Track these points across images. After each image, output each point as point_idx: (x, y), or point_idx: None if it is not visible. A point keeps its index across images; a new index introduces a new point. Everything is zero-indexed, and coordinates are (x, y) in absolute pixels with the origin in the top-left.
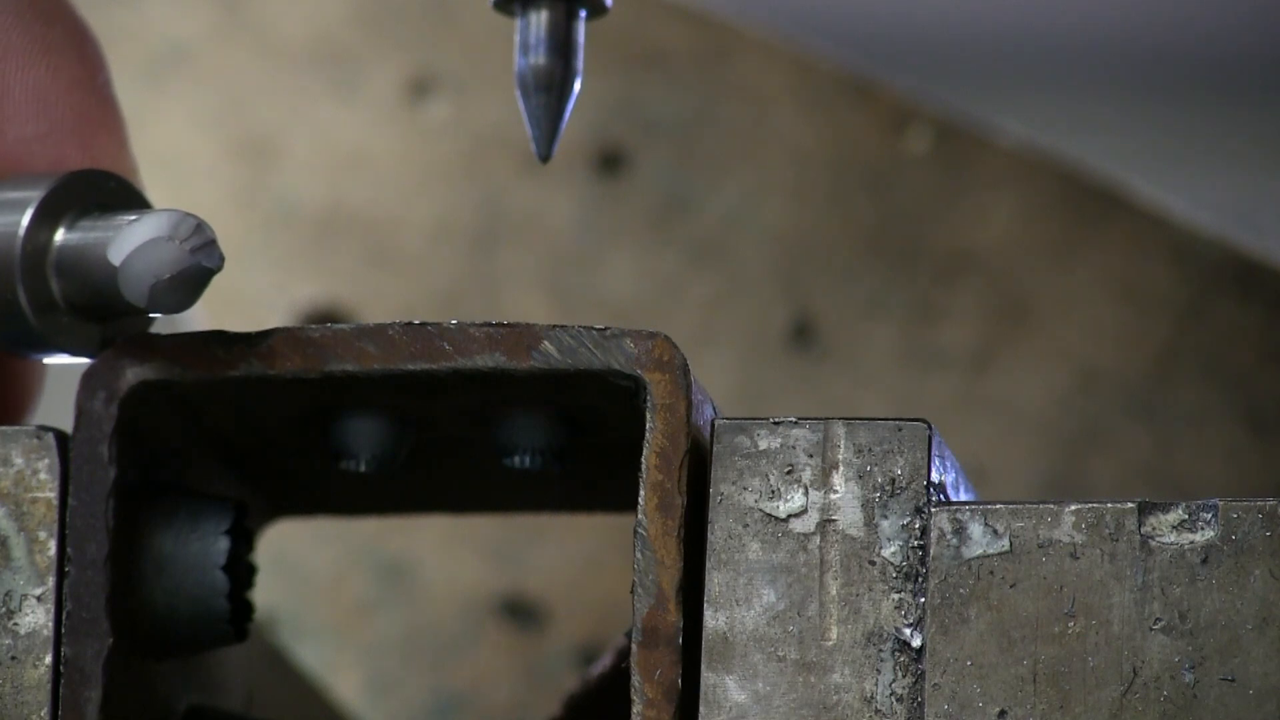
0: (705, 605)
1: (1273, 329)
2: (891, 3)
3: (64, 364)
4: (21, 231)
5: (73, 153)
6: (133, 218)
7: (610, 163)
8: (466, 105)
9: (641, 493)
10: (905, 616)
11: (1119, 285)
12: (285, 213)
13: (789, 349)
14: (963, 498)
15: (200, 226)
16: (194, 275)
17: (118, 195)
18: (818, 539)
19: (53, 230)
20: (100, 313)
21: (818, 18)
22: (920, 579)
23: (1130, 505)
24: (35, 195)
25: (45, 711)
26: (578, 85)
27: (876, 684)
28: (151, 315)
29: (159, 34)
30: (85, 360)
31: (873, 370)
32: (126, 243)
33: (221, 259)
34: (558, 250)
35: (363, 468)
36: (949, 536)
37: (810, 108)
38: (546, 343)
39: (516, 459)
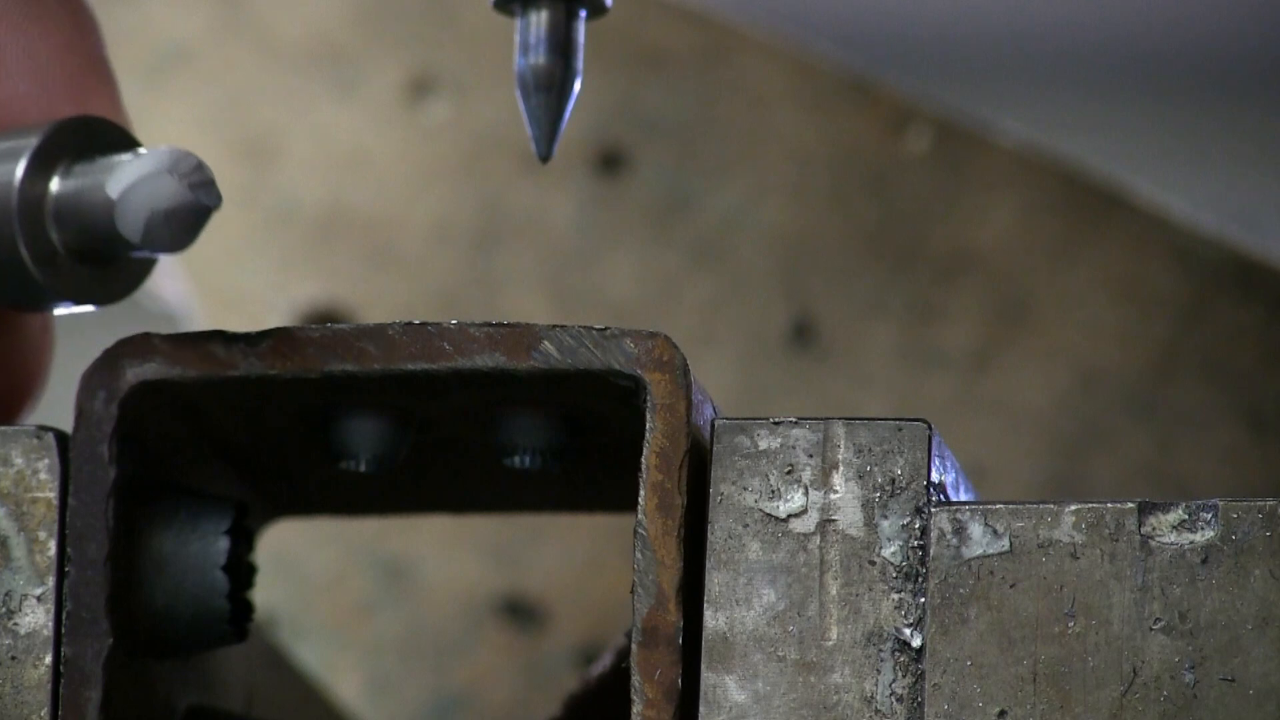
0: (705, 605)
1: (1273, 329)
2: (891, 3)
3: (69, 313)
4: (17, 181)
5: (66, 110)
6: (131, 155)
7: (610, 163)
8: (466, 105)
9: (641, 493)
10: (905, 616)
11: (1119, 285)
12: (285, 213)
13: (789, 349)
14: (963, 498)
15: (200, 165)
16: (192, 211)
17: (112, 142)
18: (818, 539)
19: (48, 179)
20: (100, 257)
21: (818, 18)
22: (920, 579)
23: (1130, 505)
24: (29, 144)
25: (45, 711)
26: (578, 85)
27: (876, 684)
28: (151, 257)
29: (159, 34)
30: (89, 308)
31: (873, 370)
32: (125, 176)
33: (219, 198)
34: (558, 250)
35: (363, 468)
36: (949, 536)
37: (810, 108)
38: (546, 343)
39: (516, 459)
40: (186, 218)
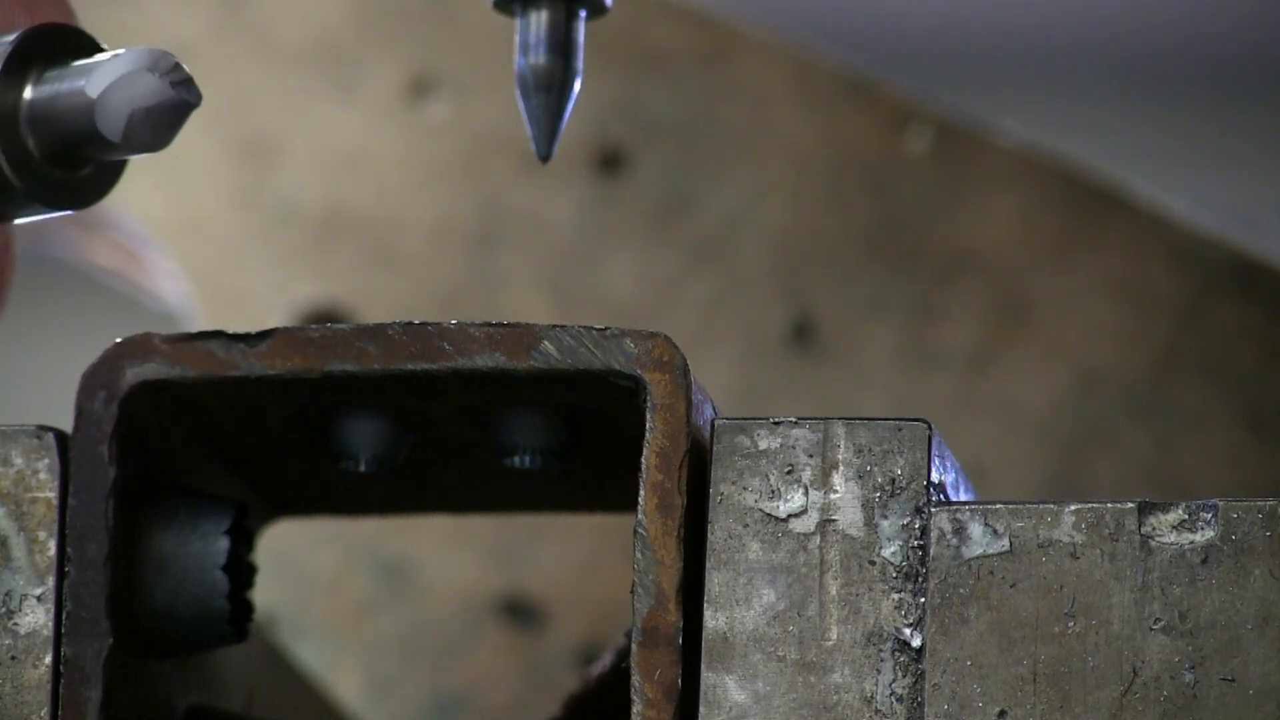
0: (705, 605)
1: (1273, 329)
2: (891, 3)
3: (45, 219)
4: None
5: (22, 19)
6: (109, 55)
7: (610, 163)
8: (466, 105)
9: (641, 493)
10: (905, 616)
11: (1119, 285)
12: (285, 213)
13: (789, 349)
14: (963, 498)
15: (178, 64)
16: (172, 108)
17: (82, 47)
18: (818, 539)
19: (21, 87)
20: (74, 161)
21: (818, 18)
22: (920, 579)
23: (1130, 505)
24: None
25: (45, 711)
26: (578, 85)
27: (876, 684)
28: (122, 160)
29: (159, 34)
30: (62, 213)
31: (873, 370)
32: (105, 75)
33: (199, 95)
34: (558, 250)
35: (363, 468)
36: (949, 536)
37: (810, 108)
38: (546, 343)
39: (516, 459)
40: (167, 115)
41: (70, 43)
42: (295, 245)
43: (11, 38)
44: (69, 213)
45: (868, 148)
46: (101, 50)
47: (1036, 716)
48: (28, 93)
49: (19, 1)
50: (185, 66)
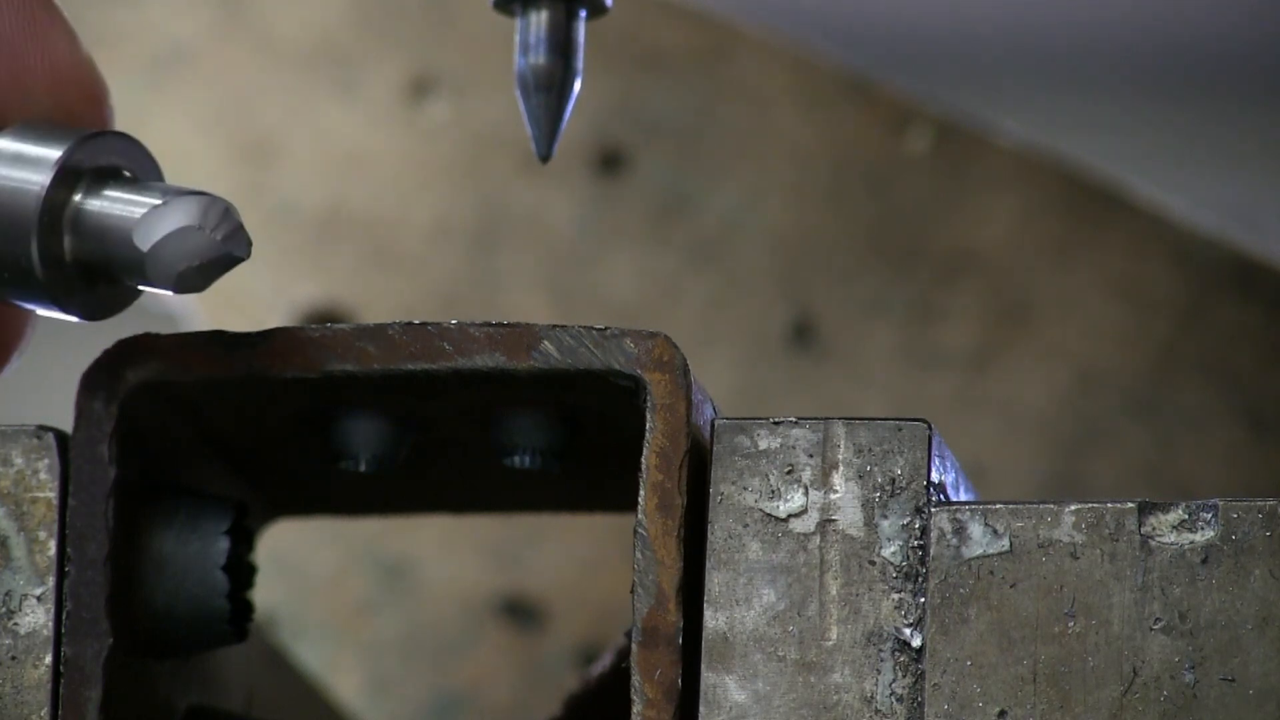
0: (705, 605)
1: (1273, 329)
2: (891, 3)
3: (55, 318)
4: (44, 191)
5: (34, 60)
6: (157, 201)
7: (610, 163)
8: (466, 105)
9: (641, 493)
10: (905, 616)
11: (1119, 285)
12: (285, 213)
13: (789, 349)
14: (963, 498)
15: (228, 211)
16: (223, 262)
17: (128, 155)
18: (818, 539)
19: (71, 190)
20: (108, 277)
21: (818, 18)
22: (920, 579)
23: (1130, 505)
24: (53, 154)
25: (45, 711)
26: (578, 85)
27: (876, 684)
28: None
29: (159, 34)
30: (72, 319)
31: (873, 370)
32: (154, 230)
33: (249, 246)
34: (558, 250)
35: (363, 468)
36: (949, 536)
37: (810, 108)
38: (546, 343)
39: (516, 459)
40: (217, 268)
41: (116, 147)
42: (295, 245)
43: (61, 141)
44: (71, 319)
45: (868, 148)
46: (149, 159)
47: (1036, 716)
48: (77, 198)
49: (30, 45)
50: (235, 212)
